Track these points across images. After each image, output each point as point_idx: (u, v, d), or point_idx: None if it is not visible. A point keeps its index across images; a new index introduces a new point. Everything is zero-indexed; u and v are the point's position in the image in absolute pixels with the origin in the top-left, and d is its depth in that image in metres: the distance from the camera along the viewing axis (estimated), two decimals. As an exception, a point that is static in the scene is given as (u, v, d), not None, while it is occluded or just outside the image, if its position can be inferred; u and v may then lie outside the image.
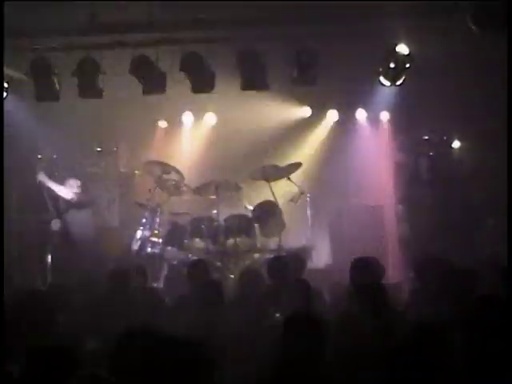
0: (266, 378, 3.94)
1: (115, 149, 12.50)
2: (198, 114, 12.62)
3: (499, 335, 4.43)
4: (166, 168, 10.94)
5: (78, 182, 10.90)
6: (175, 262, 10.21)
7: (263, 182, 11.06)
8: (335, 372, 4.80)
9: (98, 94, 10.04)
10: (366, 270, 6.70)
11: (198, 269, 7.64)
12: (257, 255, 10.50)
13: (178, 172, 10.99)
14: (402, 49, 9.35)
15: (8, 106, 10.22)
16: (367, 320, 5.48)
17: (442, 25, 9.06)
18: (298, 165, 11.17)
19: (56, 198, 10.80)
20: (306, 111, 12.56)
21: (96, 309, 6.75)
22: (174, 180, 10.97)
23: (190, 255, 10.33)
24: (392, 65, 9.48)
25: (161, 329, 4.89)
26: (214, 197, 10.87)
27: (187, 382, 4.02)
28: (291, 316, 4.86)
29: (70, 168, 11.73)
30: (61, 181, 10.90)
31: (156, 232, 10.67)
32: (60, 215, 10.70)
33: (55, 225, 10.56)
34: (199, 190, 11.00)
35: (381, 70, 9.64)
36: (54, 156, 11.41)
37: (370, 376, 4.36)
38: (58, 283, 8.72)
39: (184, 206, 11.28)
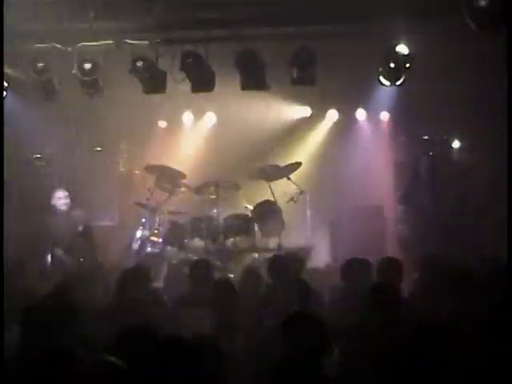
0: (266, 377, 3.94)
1: (115, 149, 12.50)
2: (198, 114, 12.62)
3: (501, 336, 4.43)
4: (167, 170, 10.93)
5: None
6: (175, 262, 10.21)
7: (263, 182, 11.07)
8: (335, 372, 4.81)
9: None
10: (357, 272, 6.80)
11: (199, 268, 7.62)
12: (256, 255, 10.50)
13: (177, 172, 10.98)
14: (402, 49, 9.35)
15: (8, 105, 10.19)
16: (369, 320, 5.49)
17: (442, 25, 9.05)
18: (297, 165, 11.19)
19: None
20: (305, 111, 12.56)
21: (97, 309, 6.73)
22: (174, 180, 10.97)
23: (190, 255, 10.33)
24: (392, 65, 9.47)
25: (161, 329, 4.89)
26: (213, 196, 10.88)
27: (188, 381, 4.02)
28: (290, 316, 4.87)
29: (70, 168, 11.73)
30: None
31: (156, 232, 10.68)
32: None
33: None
34: (199, 190, 11.01)
35: (381, 70, 9.62)
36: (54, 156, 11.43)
37: (372, 376, 4.37)
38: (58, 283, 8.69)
39: (184, 205, 11.28)
